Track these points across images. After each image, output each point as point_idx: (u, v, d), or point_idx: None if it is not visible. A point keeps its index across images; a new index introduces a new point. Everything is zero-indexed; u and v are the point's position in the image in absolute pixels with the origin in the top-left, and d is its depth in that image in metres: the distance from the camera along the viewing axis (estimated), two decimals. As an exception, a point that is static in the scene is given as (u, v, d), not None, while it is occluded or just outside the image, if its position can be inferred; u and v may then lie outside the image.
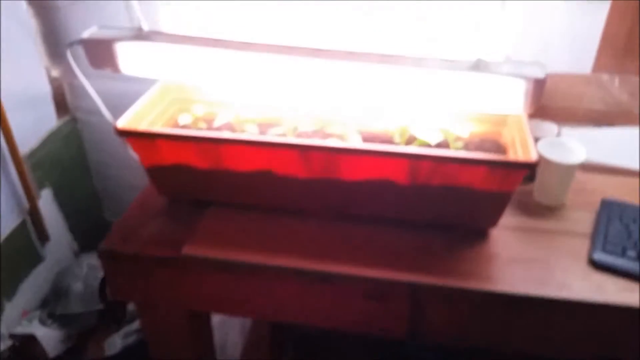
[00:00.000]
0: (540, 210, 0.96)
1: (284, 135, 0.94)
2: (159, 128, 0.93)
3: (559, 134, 1.04)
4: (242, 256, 0.86)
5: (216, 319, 1.25)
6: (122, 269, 0.91)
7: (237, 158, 0.86)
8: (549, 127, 1.04)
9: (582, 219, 0.93)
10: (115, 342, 1.45)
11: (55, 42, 1.42)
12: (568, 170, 0.92)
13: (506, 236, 0.90)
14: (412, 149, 0.79)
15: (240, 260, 0.85)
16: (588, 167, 1.03)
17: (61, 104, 1.51)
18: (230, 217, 0.93)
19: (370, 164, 0.83)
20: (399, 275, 0.82)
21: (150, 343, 1.04)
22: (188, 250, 0.87)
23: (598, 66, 1.17)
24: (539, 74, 0.78)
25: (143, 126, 0.92)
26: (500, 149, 0.92)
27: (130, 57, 0.91)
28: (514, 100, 0.80)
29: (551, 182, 0.94)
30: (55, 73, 1.48)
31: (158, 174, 0.92)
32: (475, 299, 0.81)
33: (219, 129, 0.95)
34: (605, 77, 1.15)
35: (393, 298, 0.84)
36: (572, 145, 0.95)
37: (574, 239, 0.89)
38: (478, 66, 0.79)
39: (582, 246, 0.88)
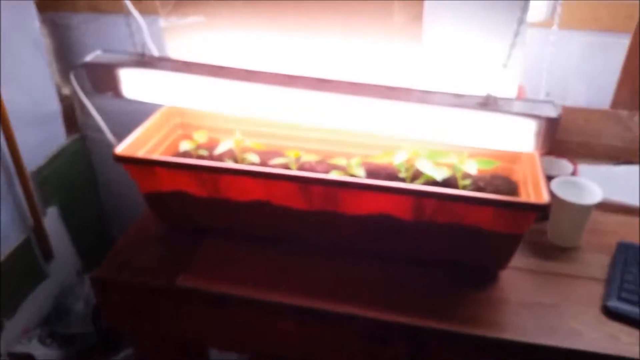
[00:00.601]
0: (554, 251, 0.91)
1: (286, 165, 0.91)
2: (157, 155, 0.91)
3: (574, 172, 1.00)
4: (239, 290, 0.82)
5: (214, 350, 1.22)
6: (115, 298, 0.88)
7: (236, 188, 0.84)
8: (564, 165, 1.00)
9: (597, 263, 0.89)
10: (115, 364, 1.43)
11: (67, 60, 1.42)
12: (583, 211, 0.88)
13: (516, 278, 0.85)
14: (417, 186, 0.76)
15: (236, 295, 0.82)
16: (605, 207, 0.98)
17: (71, 122, 1.50)
18: (228, 247, 0.90)
19: (372, 198, 0.80)
20: (401, 317, 0.78)
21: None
22: (183, 281, 0.84)
23: (617, 102, 1.12)
24: (552, 113, 0.74)
25: (143, 152, 0.90)
26: (511, 186, 0.88)
27: (133, 82, 0.90)
28: (525, 139, 0.77)
29: (565, 223, 0.90)
30: (66, 91, 1.48)
31: (156, 200, 0.90)
32: (481, 346, 0.77)
33: (220, 156, 0.93)
34: (624, 113, 1.11)
35: (394, 340, 0.80)
36: (588, 185, 0.90)
37: (588, 283, 0.85)
38: (487, 103, 0.76)
39: (596, 292, 0.83)
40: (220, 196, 0.85)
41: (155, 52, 0.93)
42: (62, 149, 1.48)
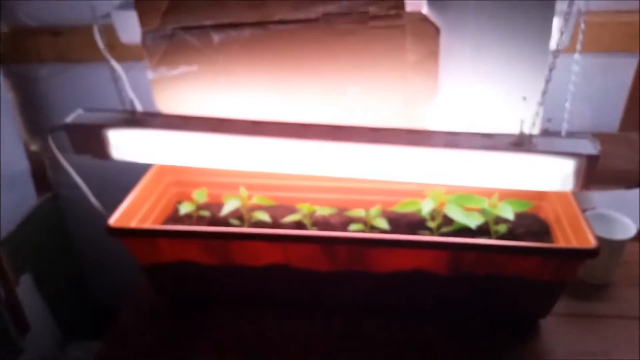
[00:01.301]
0: (588, 290, 0.86)
1: (300, 222, 0.83)
2: (158, 225, 0.82)
3: (594, 207, 0.95)
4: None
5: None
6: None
7: (250, 253, 0.75)
8: (586, 198, 0.95)
9: (635, 299, 0.84)
10: None
11: (34, 115, 1.31)
12: (618, 247, 0.83)
13: (557, 326, 0.79)
14: (456, 240, 0.69)
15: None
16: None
17: (41, 180, 1.39)
18: (241, 317, 0.81)
19: (404, 254, 0.73)
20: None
21: None
22: (197, 364, 0.74)
23: (625, 124, 1.10)
24: (592, 150, 0.69)
25: (138, 219, 0.81)
26: (542, 227, 0.82)
27: (122, 143, 0.81)
28: (563, 179, 0.71)
29: (600, 260, 0.84)
30: (34, 147, 1.36)
31: (157, 273, 0.81)
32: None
33: (226, 218, 0.85)
34: (633, 135, 1.08)
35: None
36: (618, 218, 0.86)
37: (631, 324, 0.79)
38: (521, 142, 0.70)
39: (642, 333, 0.78)
40: (232, 263, 0.76)
41: (139, 106, 0.85)
42: (33, 211, 1.36)
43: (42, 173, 1.40)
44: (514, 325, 0.79)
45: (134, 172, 0.89)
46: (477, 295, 0.76)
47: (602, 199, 1.03)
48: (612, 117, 1.14)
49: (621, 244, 0.83)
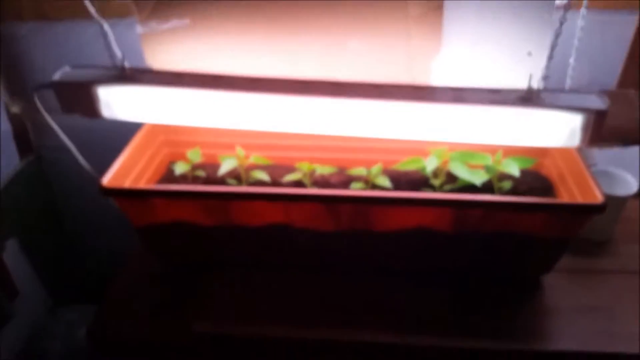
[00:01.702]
0: (590, 246, 0.86)
1: (300, 181, 0.81)
2: (154, 185, 0.79)
3: (595, 163, 0.94)
4: (263, 329, 0.73)
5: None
6: (118, 356, 0.76)
7: (250, 213, 0.73)
8: (587, 156, 0.94)
9: (636, 254, 0.84)
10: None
11: (15, 76, 1.25)
12: (620, 203, 0.83)
13: (561, 282, 0.79)
14: (463, 197, 0.68)
15: (260, 335, 0.72)
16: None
17: (24, 143, 1.34)
18: (241, 280, 0.80)
19: (408, 212, 0.71)
20: (448, 340, 0.71)
21: None
22: (199, 327, 0.73)
23: (624, 81, 1.08)
24: (600, 105, 0.68)
25: (131, 179, 0.78)
26: (545, 184, 0.81)
27: (111, 100, 0.77)
28: (569, 134, 0.70)
29: (601, 217, 0.84)
30: (15, 109, 1.31)
31: (152, 235, 0.78)
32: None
33: (222, 178, 0.82)
34: (632, 92, 1.07)
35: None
36: (620, 175, 0.85)
37: (632, 278, 0.80)
38: (530, 97, 0.69)
39: (644, 287, 0.78)
40: (231, 224, 0.74)
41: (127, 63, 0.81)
42: (16, 174, 1.31)
43: (25, 135, 1.35)
44: (518, 282, 0.78)
45: (120, 134, 0.86)
46: (481, 253, 0.75)
47: (600, 156, 1.02)
48: (610, 75, 1.12)
49: (623, 200, 0.83)
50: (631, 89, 1.07)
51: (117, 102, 0.76)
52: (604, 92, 1.09)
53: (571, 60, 0.77)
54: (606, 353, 0.69)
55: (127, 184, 0.77)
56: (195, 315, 0.74)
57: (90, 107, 0.77)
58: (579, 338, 0.71)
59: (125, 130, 0.86)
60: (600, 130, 0.69)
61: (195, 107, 0.75)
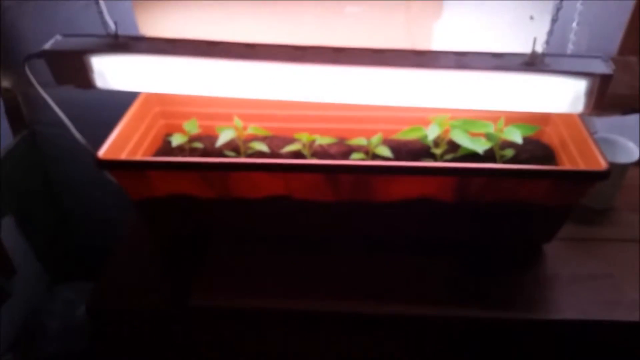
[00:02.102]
0: (590, 215, 0.86)
1: (299, 152, 0.80)
2: (151, 157, 0.78)
3: (595, 131, 0.93)
4: (260, 302, 0.72)
5: None
6: (117, 329, 0.76)
7: (250, 185, 0.72)
8: (588, 123, 0.93)
9: (636, 222, 0.84)
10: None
11: (4, 49, 1.22)
12: (621, 171, 0.82)
13: (562, 250, 0.79)
14: (466, 165, 0.67)
15: (259, 307, 0.72)
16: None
17: (16, 119, 1.31)
18: (240, 253, 0.79)
19: (409, 182, 0.70)
20: (449, 310, 0.71)
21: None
22: (197, 300, 0.72)
23: (624, 48, 1.06)
24: (605, 69, 0.66)
25: (127, 152, 0.77)
26: (547, 151, 0.81)
27: (105, 70, 0.75)
28: (574, 99, 0.69)
29: (602, 185, 0.83)
30: (5, 83, 1.28)
31: (150, 207, 0.77)
32: (541, 330, 0.70)
33: (220, 150, 0.81)
34: (633, 59, 1.05)
35: (444, 337, 0.72)
36: (621, 142, 0.85)
37: (632, 246, 0.80)
38: (534, 62, 0.67)
39: (644, 255, 0.78)
40: (230, 196, 0.73)
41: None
42: (10, 150, 1.29)
43: (17, 110, 1.33)
44: (519, 251, 0.78)
45: (112, 108, 0.84)
46: (482, 222, 0.75)
47: (599, 124, 1.01)
48: (610, 42, 1.10)
49: (624, 167, 0.82)
50: (632, 56, 1.05)
51: (110, 71, 0.74)
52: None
53: (574, 25, 0.76)
54: (607, 321, 0.69)
55: (124, 156, 0.75)
56: (193, 287, 0.73)
57: (83, 77, 0.75)
58: (579, 306, 0.71)
59: (118, 105, 0.84)
60: (605, 96, 0.68)
61: (190, 75, 0.74)
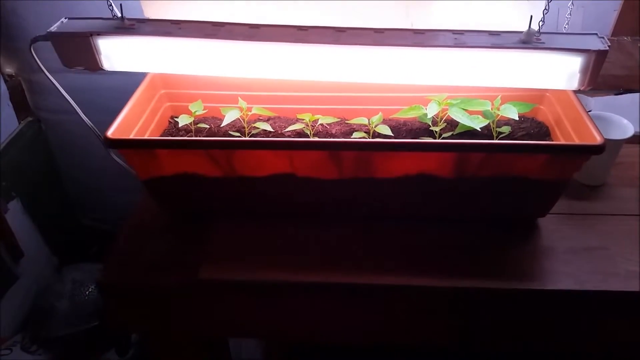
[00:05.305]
0: (584, 190, 0.88)
1: (301, 132, 0.82)
2: (160, 137, 0.80)
3: (590, 110, 0.96)
4: (268, 274, 0.74)
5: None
6: (127, 302, 0.78)
7: (255, 163, 0.74)
8: (583, 101, 0.95)
9: (630, 197, 0.86)
10: (111, 361, 1.33)
11: (6, 35, 1.24)
12: (615, 148, 0.84)
13: (556, 224, 0.81)
14: (466, 141, 0.69)
15: (266, 280, 0.74)
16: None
17: (21, 104, 1.33)
18: (245, 229, 0.81)
19: (410, 158, 0.72)
20: (448, 281, 0.73)
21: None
22: (205, 274, 0.75)
23: (619, 28, 1.08)
24: (600, 45, 0.68)
25: (135, 132, 0.79)
26: (542, 129, 0.83)
27: (111, 52, 0.77)
28: (569, 76, 0.71)
29: (596, 161, 0.86)
30: (10, 70, 1.30)
31: (158, 186, 0.79)
32: (538, 301, 0.73)
33: (225, 130, 0.83)
34: (627, 40, 1.07)
35: (442, 307, 0.75)
36: (615, 119, 0.87)
37: (626, 220, 0.82)
38: (530, 40, 0.69)
39: (637, 228, 0.80)
40: (236, 174, 0.75)
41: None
42: (16, 135, 1.31)
43: (22, 96, 1.34)
44: (516, 225, 0.81)
45: (116, 94, 0.85)
46: (480, 198, 0.77)
47: (594, 104, 1.03)
48: (605, 23, 1.12)
49: (618, 143, 0.84)
50: (626, 36, 1.07)
51: (117, 53, 0.76)
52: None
53: (569, 5, 0.78)
54: (601, 291, 0.72)
55: (132, 137, 0.77)
56: (201, 262, 0.76)
57: (90, 59, 0.77)
58: (574, 277, 0.73)
59: (121, 91, 0.85)
60: (599, 72, 0.70)
61: (195, 56, 0.76)
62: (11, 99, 1.31)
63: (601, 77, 1.15)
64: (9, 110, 1.31)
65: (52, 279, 1.39)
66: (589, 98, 0.96)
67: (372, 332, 0.79)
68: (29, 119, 1.35)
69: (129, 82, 0.86)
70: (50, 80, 0.78)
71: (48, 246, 1.43)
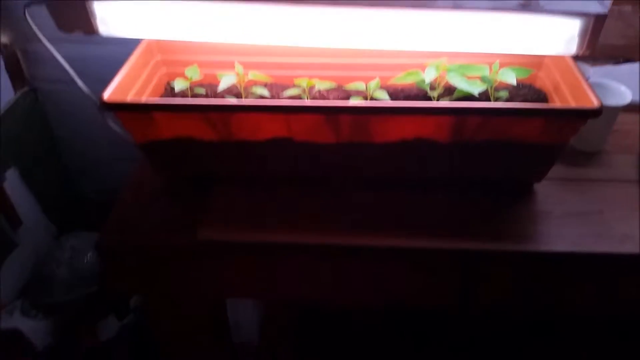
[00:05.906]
0: (580, 157, 0.88)
1: (299, 97, 0.82)
2: (156, 99, 0.80)
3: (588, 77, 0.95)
4: (266, 236, 0.75)
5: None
6: (126, 265, 0.79)
7: (252, 127, 0.74)
8: (582, 68, 0.95)
9: (626, 164, 0.87)
10: (110, 325, 1.34)
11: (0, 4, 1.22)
12: (612, 114, 0.85)
13: (552, 189, 0.82)
14: (464, 104, 0.69)
15: (265, 241, 0.75)
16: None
17: (17, 74, 1.32)
18: (244, 193, 0.82)
19: (407, 122, 0.73)
20: (447, 243, 0.74)
21: (161, 333, 0.94)
22: (204, 234, 0.75)
23: (619, -4, 1.07)
24: (599, 8, 0.68)
25: (131, 96, 0.78)
26: (540, 95, 0.83)
27: (107, 16, 0.76)
28: (567, 41, 0.70)
29: (593, 127, 0.86)
30: (4, 39, 1.29)
31: (155, 150, 0.79)
32: (535, 262, 0.74)
33: (222, 95, 0.83)
34: (627, 8, 1.06)
35: (441, 269, 0.76)
36: (613, 86, 0.87)
37: (624, 186, 0.83)
38: (529, 3, 0.69)
39: (634, 194, 0.81)
40: (233, 138, 0.76)
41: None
42: (12, 105, 1.31)
43: (17, 66, 1.34)
44: (512, 189, 0.81)
45: (111, 64, 0.85)
46: (477, 162, 0.78)
47: (593, 73, 1.03)
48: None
49: (615, 110, 0.84)
50: (626, 4, 1.07)
51: (113, 17, 0.76)
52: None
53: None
54: (596, 253, 0.73)
55: (128, 100, 0.77)
56: (199, 223, 0.77)
57: (86, 23, 0.76)
58: (569, 239, 0.74)
59: (118, 62, 0.84)
60: (598, 37, 0.70)
61: (192, 19, 0.75)
62: (7, 68, 1.30)
63: (600, 46, 1.14)
64: (5, 81, 1.30)
65: (52, 245, 1.40)
66: (588, 67, 0.96)
67: (371, 294, 0.80)
68: (25, 88, 1.35)
69: (124, 51, 0.85)
70: (46, 46, 0.78)
71: (46, 215, 1.44)
